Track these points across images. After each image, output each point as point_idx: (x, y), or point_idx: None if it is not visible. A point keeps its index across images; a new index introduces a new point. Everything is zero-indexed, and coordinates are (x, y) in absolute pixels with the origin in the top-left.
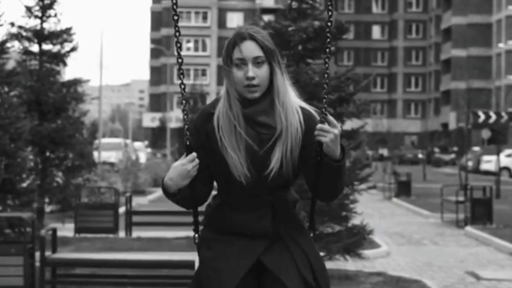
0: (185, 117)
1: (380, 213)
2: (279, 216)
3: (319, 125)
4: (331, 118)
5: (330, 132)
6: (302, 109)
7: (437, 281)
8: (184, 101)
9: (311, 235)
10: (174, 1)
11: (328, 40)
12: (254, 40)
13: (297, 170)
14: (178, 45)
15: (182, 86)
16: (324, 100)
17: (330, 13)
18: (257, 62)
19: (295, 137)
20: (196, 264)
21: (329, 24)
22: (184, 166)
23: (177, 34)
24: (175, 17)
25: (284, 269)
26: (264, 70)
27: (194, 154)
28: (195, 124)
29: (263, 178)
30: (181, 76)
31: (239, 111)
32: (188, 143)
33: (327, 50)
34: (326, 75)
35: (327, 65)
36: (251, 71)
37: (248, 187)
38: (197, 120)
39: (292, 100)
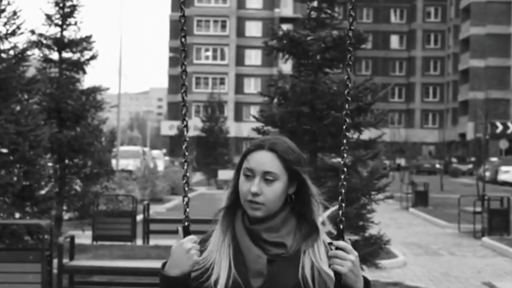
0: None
1: (397, 223)
2: None
3: (332, 252)
4: (343, 243)
5: (346, 260)
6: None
7: None
8: (186, 142)
9: None
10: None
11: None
12: (273, 151)
13: None
14: (184, 89)
15: (185, 134)
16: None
17: (351, 24)
18: (266, 178)
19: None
20: None
21: (348, 41)
22: (183, 245)
23: (184, 76)
24: (183, 56)
25: None
26: (274, 190)
27: (193, 237)
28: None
29: None
30: (185, 121)
31: (243, 226)
32: (186, 224)
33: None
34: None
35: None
36: (256, 186)
37: None
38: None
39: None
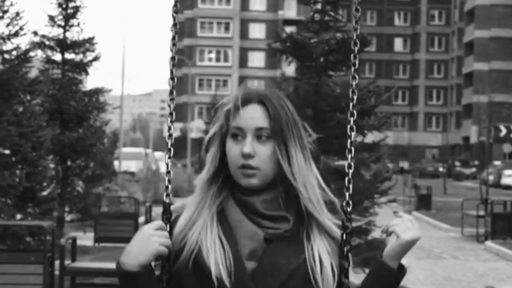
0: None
1: None
2: None
3: (396, 220)
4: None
5: (404, 223)
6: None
7: None
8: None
9: None
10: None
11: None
12: (263, 104)
13: None
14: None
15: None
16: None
17: (357, 26)
18: (259, 135)
19: (329, 243)
20: None
21: (355, 41)
22: (144, 230)
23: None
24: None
25: None
26: (268, 150)
27: (161, 223)
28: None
29: None
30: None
31: (233, 198)
32: (168, 200)
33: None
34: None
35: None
36: (249, 146)
37: None
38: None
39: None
